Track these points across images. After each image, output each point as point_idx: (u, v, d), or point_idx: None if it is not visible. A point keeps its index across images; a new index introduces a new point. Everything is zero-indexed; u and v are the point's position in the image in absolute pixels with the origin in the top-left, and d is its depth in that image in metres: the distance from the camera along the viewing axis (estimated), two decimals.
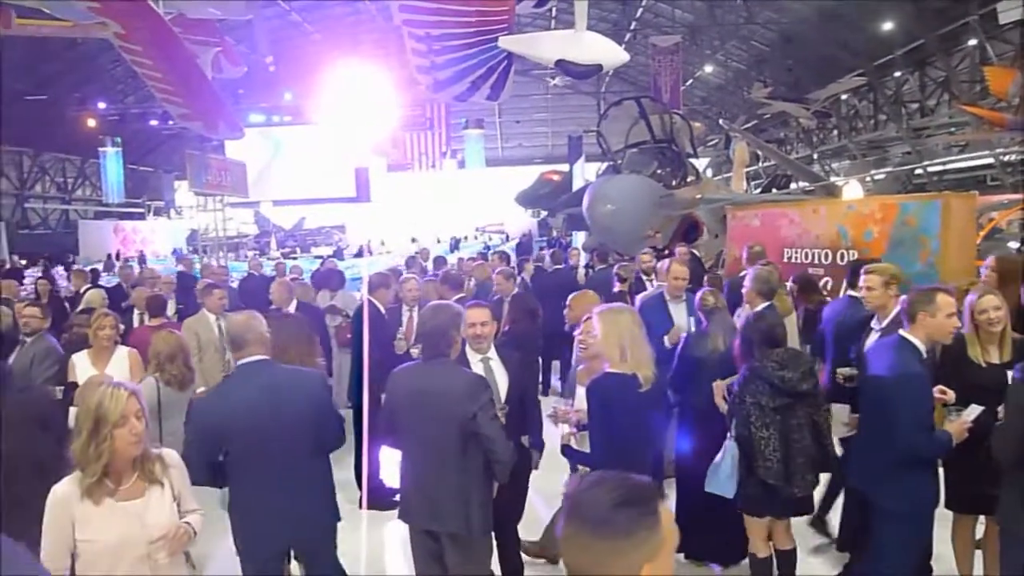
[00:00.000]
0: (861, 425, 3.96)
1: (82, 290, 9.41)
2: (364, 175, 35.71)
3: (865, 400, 3.85)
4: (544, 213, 29.71)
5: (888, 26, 23.74)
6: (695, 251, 11.66)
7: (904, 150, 28.12)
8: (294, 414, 3.35)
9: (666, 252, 10.83)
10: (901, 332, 3.61)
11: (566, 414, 3.71)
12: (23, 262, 24.17)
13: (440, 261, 11.88)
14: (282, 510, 3.36)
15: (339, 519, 3.65)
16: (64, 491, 2.58)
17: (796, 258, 8.26)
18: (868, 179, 28.56)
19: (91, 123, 32.95)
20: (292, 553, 3.68)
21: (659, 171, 15.30)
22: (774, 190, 23.83)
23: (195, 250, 29.80)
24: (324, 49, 31.71)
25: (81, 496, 2.55)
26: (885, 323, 4.34)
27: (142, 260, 28.42)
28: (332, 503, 3.63)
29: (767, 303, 5.01)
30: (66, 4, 8.36)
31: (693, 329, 5.41)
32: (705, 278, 8.07)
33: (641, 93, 20.07)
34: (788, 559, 4.09)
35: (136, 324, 7.04)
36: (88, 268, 14.43)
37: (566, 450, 3.88)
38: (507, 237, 34.54)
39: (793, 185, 24.90)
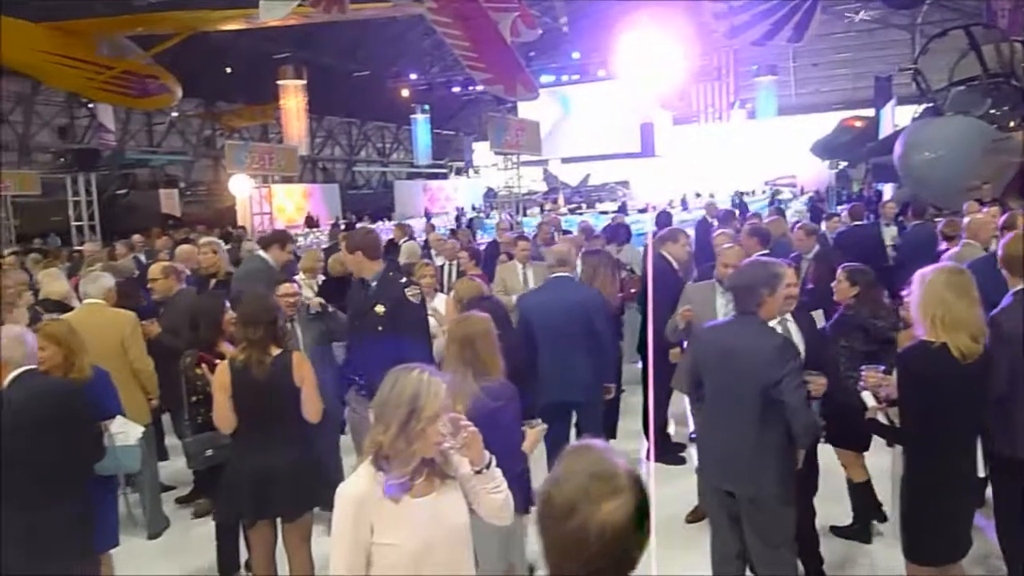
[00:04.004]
0: None
1: (400, 241, 10.63)
2: (649, 130, 35.47)
3: None
4: (843, 164, 27.31)
5: None
6: None
7: None
8: (572, 309, 5.00)
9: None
10: None
11: (878, 384, 3.39)
12: (354, 216, 27.83)
13: (727, 215, 11.45)
14: (565, 374, 4.86)
15: (603, 394, 5.11)
16: (359, 492, 2.25)
17: None
18: None
19: (404, 93, 36.73)
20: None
21: (993, 111, 13.38)
22: None
23: (491, 206, 31.97)
24: (611, 4, 31.81)
25: (383, 496, 2.24)
26: None
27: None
28: (598, 381, 5.07)
29: None
30: None
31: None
32: None
33: (971, 20, 17.48)
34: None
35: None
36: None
37: (870, 424, 3.52)
38: (800, 190, 32.16)
39: None
